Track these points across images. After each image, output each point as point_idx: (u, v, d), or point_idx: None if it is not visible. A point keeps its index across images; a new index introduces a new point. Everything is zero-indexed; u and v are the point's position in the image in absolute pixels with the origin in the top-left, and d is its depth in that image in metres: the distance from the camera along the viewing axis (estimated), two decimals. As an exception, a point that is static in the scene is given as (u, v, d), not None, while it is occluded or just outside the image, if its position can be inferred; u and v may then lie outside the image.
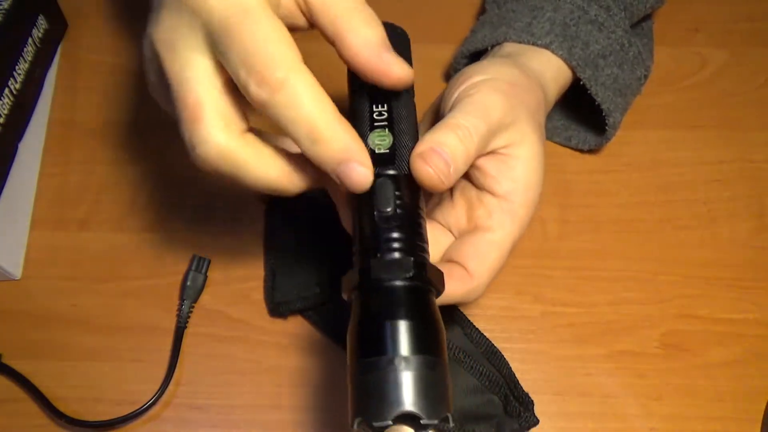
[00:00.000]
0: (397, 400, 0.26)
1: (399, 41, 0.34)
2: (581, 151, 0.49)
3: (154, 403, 0.41)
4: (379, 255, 0.29)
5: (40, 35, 0.50)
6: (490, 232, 0.34)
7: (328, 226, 0.45)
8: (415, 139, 0.32)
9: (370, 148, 0.31)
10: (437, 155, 0.30)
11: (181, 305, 0.44)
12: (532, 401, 0.41)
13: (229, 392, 0.42)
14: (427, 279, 0.29)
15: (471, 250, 0.33)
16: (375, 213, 0.30)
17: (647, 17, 0.50)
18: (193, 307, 0.44)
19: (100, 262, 0.46)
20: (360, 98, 0.33)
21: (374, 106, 0.32)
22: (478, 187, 0.35)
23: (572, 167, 0.49)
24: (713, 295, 0.45)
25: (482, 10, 0.51)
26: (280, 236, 0.45)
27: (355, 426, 0.26)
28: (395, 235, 0.30)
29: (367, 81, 0.30)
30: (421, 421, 0.26)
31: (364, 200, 0.31)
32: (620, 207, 0.48)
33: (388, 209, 0.30)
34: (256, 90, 0.27)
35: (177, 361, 0.42)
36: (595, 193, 0.48)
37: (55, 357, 0.43)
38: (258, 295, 0.45)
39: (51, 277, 0.45)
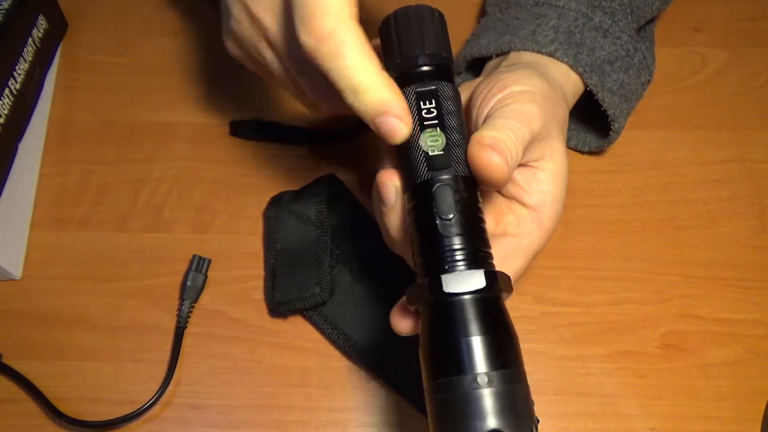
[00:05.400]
0: (482, 419, 0.25)
1: (436, 23, 0.33)
2: (581, 151, 0.49)
3: (154, 403, 0.41)
4: (447, 267, 0.28)
5: (40, 35, 0.50)
6: (518, 238, 0.34)
7: (329, 226, 0.45)
8: (465, 135, 0.31)
9: (424, 151, 0.30)
10: (500, 148, 0.30)
11: (181, 305, 0.44)
12: (532, 401, 0.41)
13: (229, 392, 0.42)
14: (498, 288, 0.28)
15: (499, 252, 0.33)
16: (437, 221, 0.29)
17: (650, 20, 0.50)
18: (193, 307, 0.44)
19: (100, 262, 0.46)
20: (407, 93, 0.32)
21: (422, 103, 0.31)
22: (507, 196, 0.36)
23: (572, 167, 0.48)
24: (713, 295, 0.45)
25: (483, 12, 0.51)
26: (280, 236, 0.45)
27: None
28: (460, 244, 0.29)
29: None
30: None
31: (424, 207, 0.30)
32: (620, 207, 0.48)
33: (450, 216, 0.29)
34: (305, 39, 0.29)
35: (177, 361, 0.42)
36: (595, 193, 0.48)
37: (55, 357, 0.43)
38: (258, 295, 0.45)
39: (51, 277, 0.45)
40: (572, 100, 0.43)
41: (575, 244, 0.47)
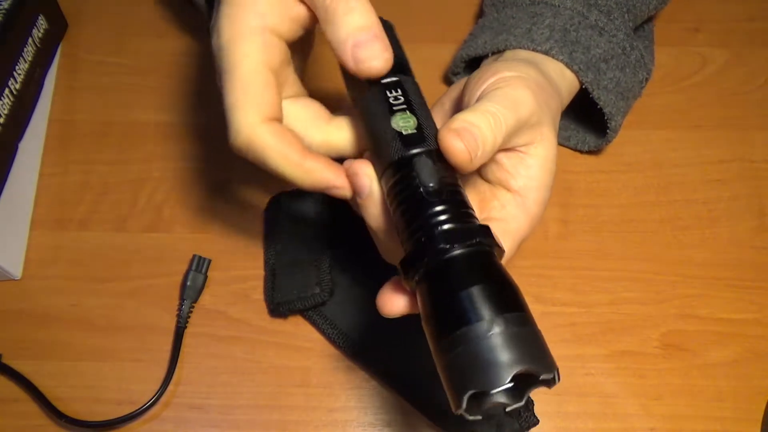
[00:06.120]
0: (511, 361, 0.24)
1: (388, 30, 0.34)
2: (580, 151, 0.49)
3: (154, 403, 0.41)
4: (440, 227, 0.28)
5: (40, 35, 0.50)
6: (504, 222, 0.34)
7: (329, 225, 0.45)
8: (432, 119, 0.32)
9: (397, 131, 0.31)
10: (469, 133, 0.30)
11: (181, 305, 0.44)
12: (532, 401, 0.41)
13: (229, 392, 0.42)
14: (492, 240, 0.28)
15: None
16: (420, 190, 0.29)
17: (648, 19, 0.50)
18: (193, 307, 0.44)
19: (100, 262, 0.46)
20: (372, 88, 0.32)
21: (388, 92, 0.32)
22: (492, 181, 0.35)
23: (573, 167, 0.49)
24: (713, 295, 0.45)
25: (481, 12, 0.51)
26: (280, 236, 0.45)
27: (464, 404, 0.24)
28: (446, 206, 0.29)
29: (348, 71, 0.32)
30: (541, 377, 0.24)
31: (405, 181, 0.30)
32: (620, 207, 0.48)
33: (432, 184, 0.29)
34: (233, 145, 0.31)
35: (177, 361, 0.42)
36: (595, 193, 0.48)
37: (55, 357, 0.43)
38: (258, 295, 0.45)
39: (51, 277, 0.45)
40: (567, 98, 0.43)
41: (575, 244, 0.47)
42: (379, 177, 0.32)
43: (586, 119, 0.48)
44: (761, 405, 0.42)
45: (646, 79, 0.47)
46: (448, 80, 0.51)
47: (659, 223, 0.47)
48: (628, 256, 0.46)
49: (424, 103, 0.33)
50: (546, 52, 0.42)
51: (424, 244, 0.28)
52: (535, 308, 0.44)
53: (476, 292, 0.26)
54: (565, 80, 0.42)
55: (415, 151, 0.30)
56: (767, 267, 0.46)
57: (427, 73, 0.52)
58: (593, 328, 0.44)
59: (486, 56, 0.45)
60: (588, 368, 0.43)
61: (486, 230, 0.29)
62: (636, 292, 0.45)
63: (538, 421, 0.40)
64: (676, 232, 0.47)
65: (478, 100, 0.34)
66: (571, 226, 0.47)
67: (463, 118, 0.31)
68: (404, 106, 0.31)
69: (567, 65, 0.42)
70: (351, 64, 0.30)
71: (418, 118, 0.31)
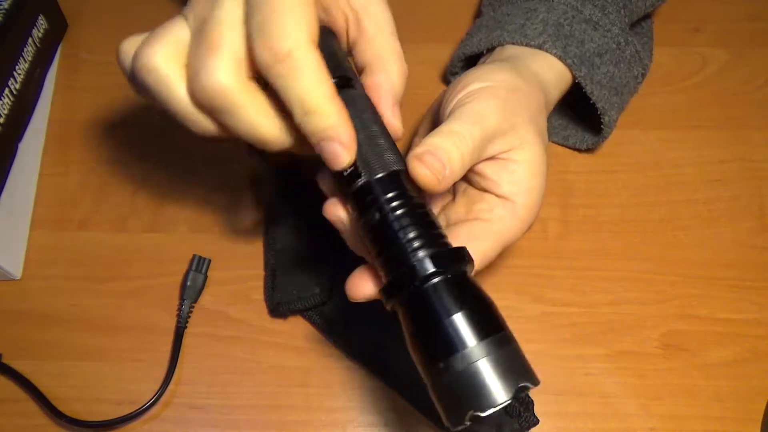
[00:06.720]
0: (507, 381, 0.26)
1: (328, 39, 0.34)
2: (580, 150, 0.49)
3: (154, 403, 0.41)
4: (408, 259, 0.28)
5: (40, 35, 0.50)
6: (488, 223, 0.34)
7: (328, 226, 0.45)
8: (390, 136, 0.32)
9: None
10: (432, 156, 0.31)
11: (181, 305, 0.44)
12: (532, 401, 0.41)
13: (229, 392, 0.42)
14: (466, 262, 0.29)
15: (464, 233, 0.33)
16: (389, 216, 0.29)
17: (647, 16, 0.50)
18: (193, 307, 0.44)
19: (100, 262, 0.46)
20: None
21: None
22: (479, 189, 0.36)
23: (572, 167, 0.49)
24: (713, 295, 0.45)
25: (479, 13, 0.51)
26: (280, 236, 0.45)
27: (466, 423, 0.26)
28: (419, 231, 0.29)
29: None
30: (530, 389, 0.26)
31: (368, 209, 0.30)
32: (620, 207, 0.48)
33: (400, 210, 0.29)
34: (261, 53, 0.28)
35: (177, 361, 0.42)
36: (595, 193, 0.48)
37: (55, 357, 0.43)
38: (258, 295, 0.45)
39: (51, 277, 0.45)
40: (557, 92, 0.43)
41: (575, 244, 0.47)
42: (344, 203, 0.32)
43: (583, 118, 0.48)
44: (761, 405, 0.42)
45: (642, 75, 0.47)
46: (447, 80, 0.51)
47: (659, 223, 0.47)
48: (628, 256, 0.46)
49: (376, 119, 0.32)
50: (539, 47, 0.42)
51: (401, 273, 0.28)
52: (535, 308, 0.45)
53: (460, 319, 0.27)
54: (554, 73, 0.42)
55: (374, 176, 0.30)
56: (767, 267, 0.46)
57: (427, 73, 0.52)
58: (593, 328, 0.44)
59: (482, 54, 0.45)
60: (588, 368, 0.43)
61: (462, 252, 0.29)
62: (636, 292, 0.45)
63: (538, 421, 0.40)
64: (676, 232, 0.47)
65: (449, 115, 0.35)
66: (571, 226, 0.47)
67: (429, 142, 0.32)
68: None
69: (560, 59, 0.42)
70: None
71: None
